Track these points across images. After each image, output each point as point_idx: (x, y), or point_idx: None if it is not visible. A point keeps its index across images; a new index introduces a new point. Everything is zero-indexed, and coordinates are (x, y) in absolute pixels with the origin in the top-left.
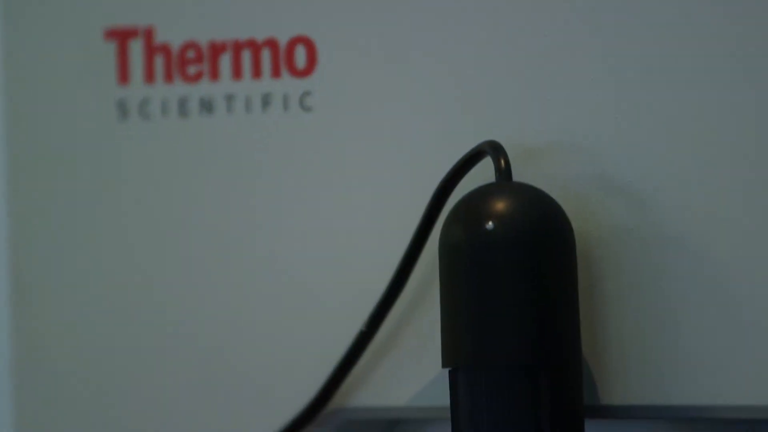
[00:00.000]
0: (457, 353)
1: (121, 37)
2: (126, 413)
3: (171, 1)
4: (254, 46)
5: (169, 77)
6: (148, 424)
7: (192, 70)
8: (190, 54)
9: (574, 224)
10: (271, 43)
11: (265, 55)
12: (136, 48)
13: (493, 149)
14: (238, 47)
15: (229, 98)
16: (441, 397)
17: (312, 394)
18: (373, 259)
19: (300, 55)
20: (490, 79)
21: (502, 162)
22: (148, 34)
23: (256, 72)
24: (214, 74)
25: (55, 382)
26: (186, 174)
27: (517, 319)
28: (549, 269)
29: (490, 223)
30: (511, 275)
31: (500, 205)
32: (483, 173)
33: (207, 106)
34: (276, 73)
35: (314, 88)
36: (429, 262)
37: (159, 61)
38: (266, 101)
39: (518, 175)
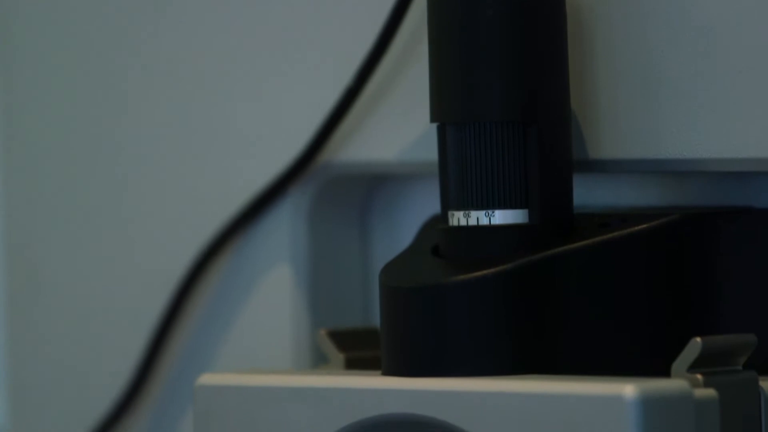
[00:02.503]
0: (445, 108)
1: None
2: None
3: None
4: None
5: None
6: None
7: None
8: None
9: None
10: None
11: None
12: None
13: None
14: None
15: None
16: (429, 153)
17: (299, 149)
18: (359, 12)
19: None
20: None
21: None
22: None
23: None
24: None
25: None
26: None
27: (505, 73)
28: (538, 23)
29: None
30: (500, 29)
31: None
32: None
33: None
34: None
35: None
36: (418, 16)
37: None
38: None
39: None
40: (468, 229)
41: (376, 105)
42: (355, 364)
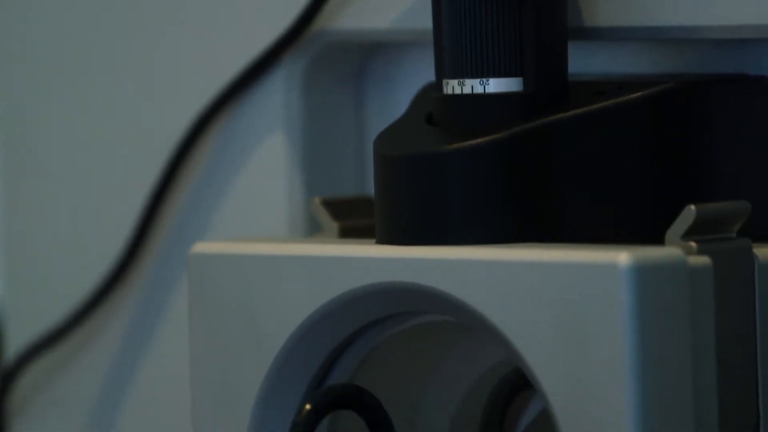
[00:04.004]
0: None
1: None
2: None
3: None
4: None
5: None
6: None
7: None
8: None
9: None
10: None
11: None
12: None
13: None
14: None
15: None
16: (424, 20)
17: (293, 17)
18: None
19: None
20: None
21: None
22: None
23: None
24: None
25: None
26: None
27: None
28: None
29: None
30: None
31: None
32: None
33: None
34: None
35: None
36: None
37: None
38: None
39: None
40: (462, 97)
41: None
42: (349, 232)
